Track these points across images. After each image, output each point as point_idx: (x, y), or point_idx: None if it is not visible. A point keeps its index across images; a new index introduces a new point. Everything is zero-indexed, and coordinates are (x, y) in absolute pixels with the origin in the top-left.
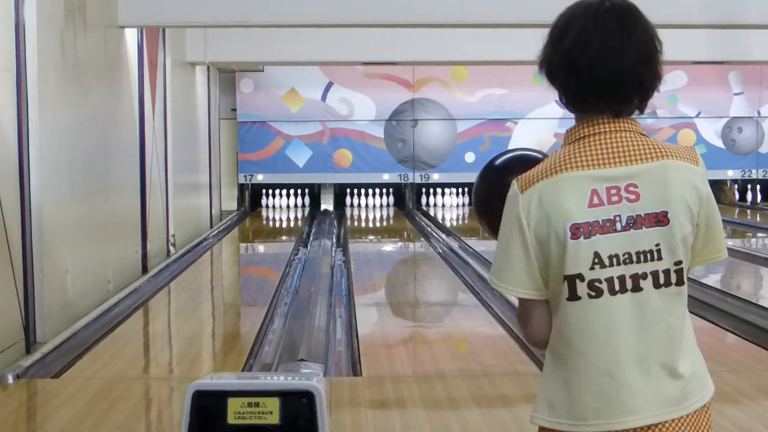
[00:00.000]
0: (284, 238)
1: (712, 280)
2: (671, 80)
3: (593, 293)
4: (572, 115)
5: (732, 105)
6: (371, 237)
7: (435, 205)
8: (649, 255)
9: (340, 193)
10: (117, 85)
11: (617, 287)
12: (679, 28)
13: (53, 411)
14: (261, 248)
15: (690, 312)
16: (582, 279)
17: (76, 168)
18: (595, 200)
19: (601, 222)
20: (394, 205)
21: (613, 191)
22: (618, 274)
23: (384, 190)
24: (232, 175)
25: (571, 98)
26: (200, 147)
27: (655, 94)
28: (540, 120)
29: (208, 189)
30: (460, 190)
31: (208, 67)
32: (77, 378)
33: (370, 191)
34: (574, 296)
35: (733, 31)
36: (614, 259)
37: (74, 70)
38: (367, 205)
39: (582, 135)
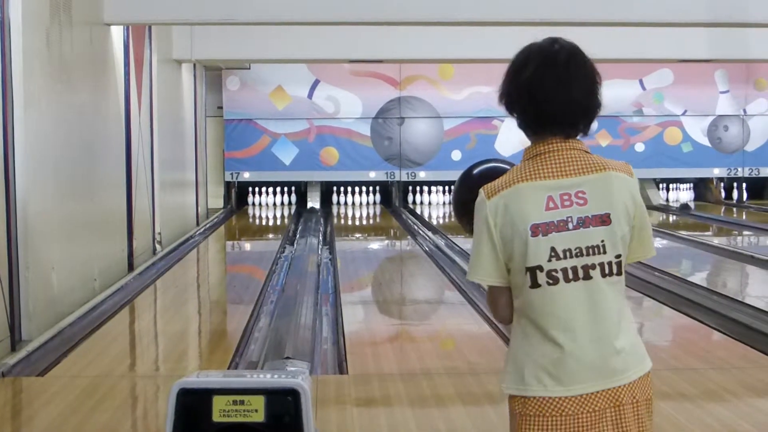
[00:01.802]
0: (270, 236)
1: (699, 277)
2: (658, 78)
3: (551, 281)
4: None
5: (718, 103)
6: (358, 235)
7: (421, 203)
8: (596, 249)
9: (327, 191)
10: (103, 83)
11: (571, 276)
12: (680, 27)
13: (38, 409)
14: (247, 246)
15: (676, 310)
16: (541, 270)
17: (62, 165)
18: (551, 204)
19: (556, 222)
20: (381, 203)
21: (566, 197)
22: (571, 265)
23: (370, 188)
24: (218, 172)
25: (528, 124)
26: (186, 145)
27: (642, 91)
28: None
29: (194, 187)
30: (447, 188)
31: (195, 65)
32: (63, 376)
33: (357, 189)
34: (535, 284)
35: (730, 29)
36: (567, 253)
37: (60, 67)
38: (353, 203)
39: (538, 152)
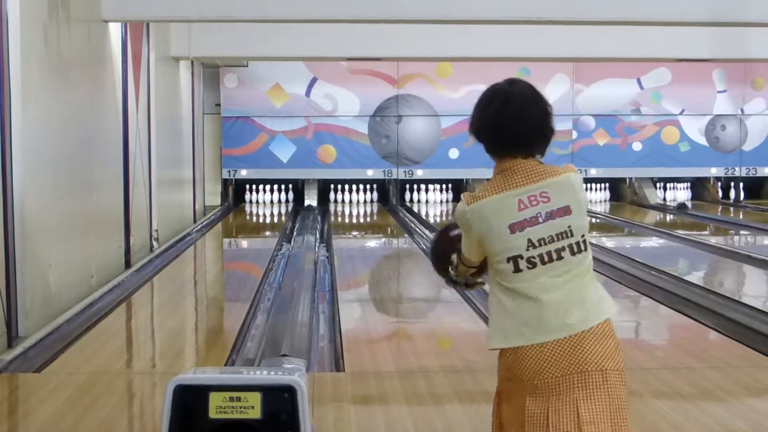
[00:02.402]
0: (268, 233)
1: (695, 277)
2: (656, 77)
3: (530, 266)
4: (556, 112)
5: (716, 102)
6: (355, 233)
7: (419, 201)
8: (564, 234)
9: (324, 188)
10: (101, 80)
11: (546, 259)
12: (679, 26)
13: (35, 405)
14: (244, 243)
15: (673, 309)
16: (521, 258)
17: (60, 162)
18: (522, 206)
19: (528, 219)
20: (378, 200)
21: (532, 198)
22: (546, 251)
23: (368, 186)
24: (215, 170)
25: (496, 148)
26: (184, 142)
27: (640, 90)
28: None
29: (191, 184)
30: (444, 186)
31: (192, 62)
32: (59, 372)
33: (354, 187)
34: (517, 269)
35: (729, 28)
36: (542, 242)
37: (58, 64)
38: (350, 201)
39: (504, 168)
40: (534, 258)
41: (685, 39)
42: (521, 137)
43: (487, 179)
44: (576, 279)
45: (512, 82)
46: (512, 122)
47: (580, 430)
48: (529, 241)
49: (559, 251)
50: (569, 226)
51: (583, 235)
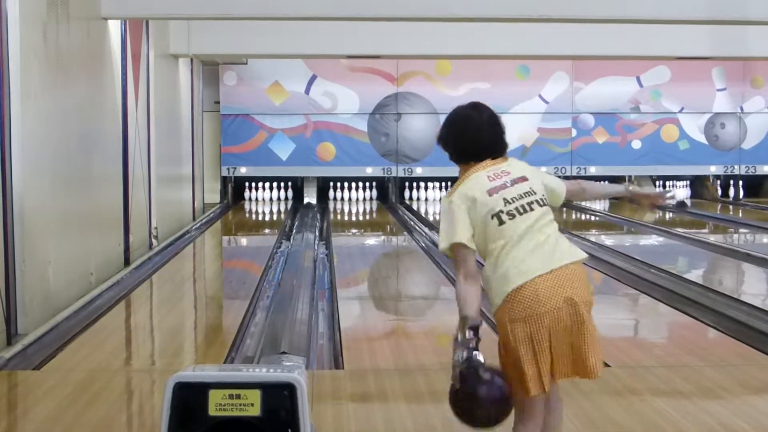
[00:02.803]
0: (267, 231)
1: (694, 275)
2: (655, 75)
3: (510, 217)
4: (555, 110)
5: (715, 101)
6: (354, 230)
7: (418, 199)
8: (528, 193)
9: (323, 186)
10: (100, 77)
11: (522, 211)
12: (678, 24)
13: (34, 403)
14: (244, 241)
15: (672, 307)
16: (502, 212)
17: (59, 160)
18: (490, 179)
19: (498, 185)
20: (377, 198)
21: (497, 173)
22: (519, 204)
23: (367, 184)
24: (215, 167)
25: (459, 157)
26: (183, 139)
27: (639, 88)
28: (523, 114)
29: (190, 181)
30: (443, 184)
31: (192, 60)
32: (59, 370)
33: (354, 185)
34: (501, 222)
35: (729, 26)
36: (513, 199)
37: (57, 61)
38: (350, 199)
39: (469, 168)
40: (512, 211)
41: (685, 37)
42: (479, 149)
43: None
44: (548, 225)
45: (475, 107)
46: (472, 138)
47: (572, 348)
48: (504, 199)
49: (529, 204)
50: (530, 187)
51: (543, 195)
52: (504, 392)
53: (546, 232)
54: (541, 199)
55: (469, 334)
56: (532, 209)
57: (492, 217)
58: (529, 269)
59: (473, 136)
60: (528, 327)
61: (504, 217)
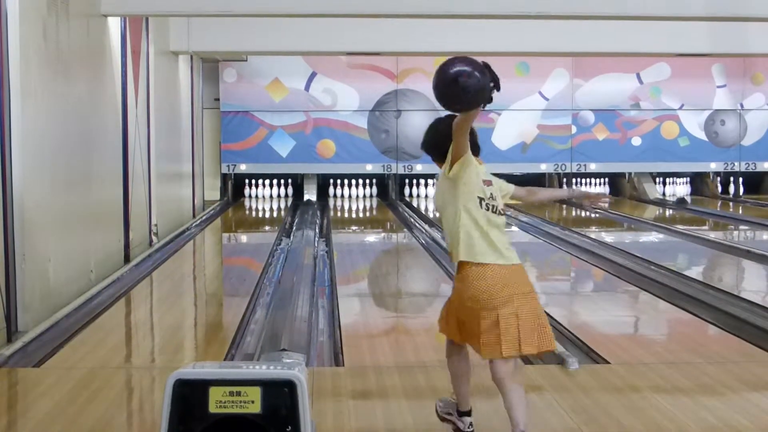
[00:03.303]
0: (267, 228)
1: (694, 272)
2: (655, 72)
3: (487, 208)
4: (555, 107)
5: (715, 97)
6: (354, 227)
7: (418, 195)
8: (494, 198)
9: (323, 183)
10: (100, 75)
11: (494, 210)
12: (678, 20)
13: (34, 400)
14: (244, 238)
15: (672, 304)
16: (483, 200)
17: (59, 157)
18: (480, 174)
19: (486, 180)
20: (377, 195)
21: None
22: (493, 204)
23: (367, 181)
24: (214, 164)
25: (444, 154)
26: (183, 136)
27: (639, 85)
28: (523, 111)
29: (190, 179)
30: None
31: (192, 57)
32: (59, 367)
33: (353, 182)
34: (480, 206)
35: (729, 23)
36: (490, 196)
37: (57, 59)
38: (350, 196)
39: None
40: (488, 205)
41: (685, 34)
42: (473, 146)
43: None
44: (504, 228)
45: (449, 116)
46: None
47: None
48: (488, 194)
49: (495, 206)
50: (494, 194)
51: (501, 205)
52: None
53: (504, 232)
54: (501, 210)
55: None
56: (496, 211)
57: (477, 198)
58: (495, 254)
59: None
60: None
61: (483, 204)
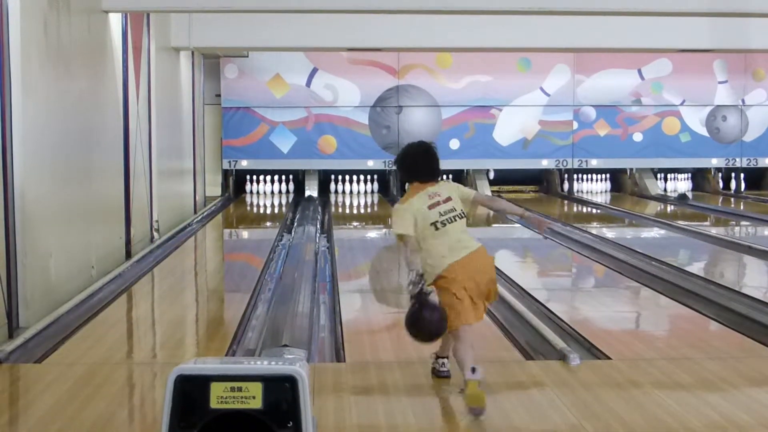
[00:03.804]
0: (268, 224)
1: (696, 268)
2: (656, 68)
3: (442, 225)
4: (557, 102)
5: (716, 93)
6: (355, 223)
7: None
8: (453, 209)
9: (325, 179)
10: (101, 70)
11: (450, 221)
12: (680, 16)
13: (35, 396)
14: (245, 234)
15: (673, 300)
16: (438, 222)
17: (60, 153)
18: (429, 199)
19: (434, 203)
20: (379, 191)
21: (432, 195)
22: (448, 217)
23: (368, 177)
24: (216, 160)
25: (409, 178)
26: (184, 132)
27: (641, 81)
28: (524, 107)
29: (192, 175)
30: (445, 177)
31: (193, 53)
32: (60, 363)
33: (355, 178)
34: (437, 229)
35: (730, 19)
36: (445, 213)
37: (58, 54)
38: (351, 192)
39: (416, 186)
40: (445, 221)
41: (686, 30)
42: (423, 173)
43: (486, 170)
44: (463, 229)
45: (420, 144)
46: (419, 165)
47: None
48: (439, 213)
49: (454, 216)
50: (453, 206)
51: (461, 209)
52: (443, 316)
53: (462, 231)
54: (461, 213)
55: (416, 277)
56: (455, 219)
57: (431, 225)
58: (452, 253)
59: (410, 163)
60: (457, 281)
61: (438, 225)
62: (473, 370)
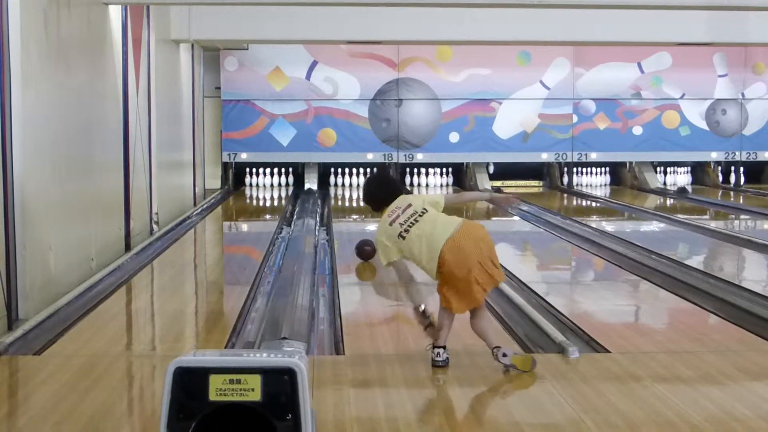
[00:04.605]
0: (268, 216)
1: (695, 261)
2: (656, 61)
3: (406, 233)
4: (556, 96)
5: (716, 87)
6: (355, 216)
7: (419, 185)
8: (413, 213)
9: (324, 172)
10: (101, 63)
11: (410, 225)
12: (679, 9)
13: (35, 388)
14: (244, 227)
15: (673, 293)
16: (401, 233)
17: (60, 146)
18: (390, 216)
19: (394, 218)
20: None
21: (392, 213)
22: (409, 223)
23: (368, 170)
24: (215, 153)
25: (376, 206)
26: (184, 125)
27: (640, 74)
28: (524, 100)
29: (191, 167)
30: (444, 170)
31: (193, 45)
32: (59, 355)
33: (354, 170)
34: (402, 237)
35: (729, 12)
36: (405, 222)
37: (57, 47)
38: (351, 185)
39: (384, 210)
40: (407, 227)
41: (684, 23)
42: (388, 199)
43: (486, 163)
44: (431, 220)
45: (372, 177)
46: (383, 193)
47: (492, 262)
48: (399, 224)
49: (414, 219)
50: (413, 211)
51: (423, 208)
52: None
53: (430, 224)
54: (421, 211)
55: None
56: (417, 221)
57: (397, 236)
58: (442, 237)
59: (373, 192)
60: (464, 263)
61: (403, 234)
62: (504, 355)
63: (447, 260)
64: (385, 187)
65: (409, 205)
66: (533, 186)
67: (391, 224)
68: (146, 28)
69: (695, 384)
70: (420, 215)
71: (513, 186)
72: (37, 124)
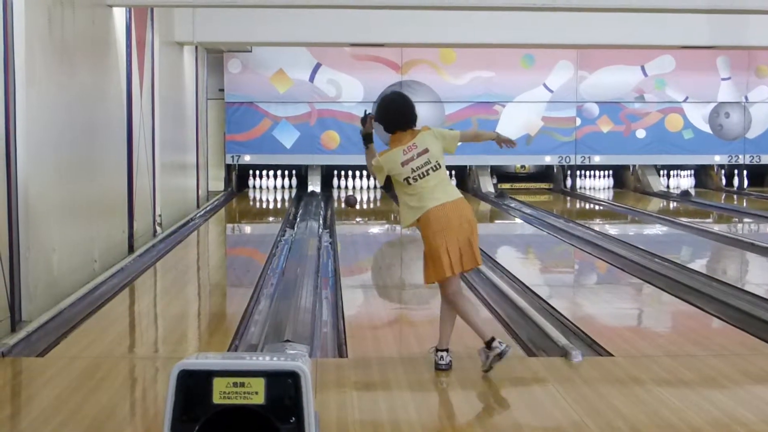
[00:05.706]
0: (271, 219)
1: (698, 264)
2: (659, 65)
3: (414, 180)
4: (560, 99)
5: (720, 90)
6: (358, 219)
7: None
8: (427, 162)
9: (328, 174)
10: (105, 65)
11: (423, 175)
12: (682, 13)
13: (38, 389)
14: (248, 229)
15: (676, 296)
16: (410, 177)
17: (63, 147)
18: (404, 153)
19: (408, 158)
20: (381, 187)
21: (408, 148)
22: (420, 171)
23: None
24: (219, 155)
25: (389, 127)
26: (187, 127)
27: (644, 77)
28: (527, 103)
29: (195, 169)
30: (444, 167)
31: (196, 47)
32: (62, 357)
33: (358, 173)
34: (409, 183)
35: (731, 16)
36: (417, 168)
37: (62, 48)
38: (354, 187)
39: (395, 137)
40: (417, 176)
41: (688, 26)
42: (402, 120)
43: (489, 166)
44: (439, 179)
45: (398, 93)
46: (398, 113)
47: (470, 243)
48: (411, 169)
49: (428, 170)
50: (428, 158)
51: (437, 160)
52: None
53: (439, 181)
54: (436, 165)
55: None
56: (428, 173)
57: (404, 180)
58: (432, 200)
59: (389, 111)
60: (442, 232)
61: (411, 180)
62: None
63: (429, 222)
64: (406, 116)
65: (426, 150)
66: (542, 188)
67: (404, 164)
68: (150, 30)
69: (698, 387)
70: (433, 169)
71: (522, 188)
72: (40, 125)
